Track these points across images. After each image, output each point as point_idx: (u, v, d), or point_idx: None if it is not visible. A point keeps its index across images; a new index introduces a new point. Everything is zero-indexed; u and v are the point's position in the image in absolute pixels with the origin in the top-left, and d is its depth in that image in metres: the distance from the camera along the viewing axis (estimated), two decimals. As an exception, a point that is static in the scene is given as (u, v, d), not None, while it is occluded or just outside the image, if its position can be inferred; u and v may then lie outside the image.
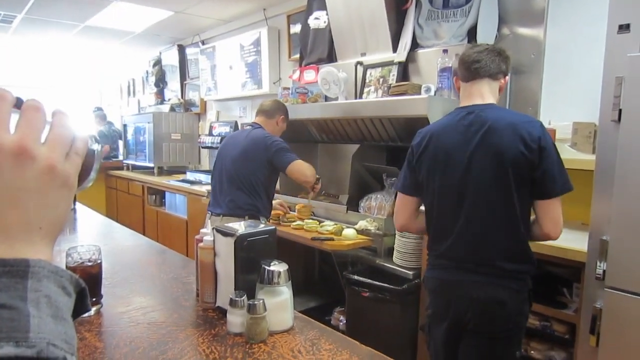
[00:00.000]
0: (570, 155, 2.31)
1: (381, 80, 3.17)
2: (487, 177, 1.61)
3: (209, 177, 4.92)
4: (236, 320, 1.09)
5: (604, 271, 1.72)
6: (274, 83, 4.66)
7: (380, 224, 2.71)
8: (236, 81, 5.13)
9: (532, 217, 1.70)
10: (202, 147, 5.77)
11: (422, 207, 1.86)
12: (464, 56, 1.78)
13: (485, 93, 1.72)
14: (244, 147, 2.75)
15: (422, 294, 2.39)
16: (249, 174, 2.71)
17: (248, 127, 2.92)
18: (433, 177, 1.73)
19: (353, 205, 3.05)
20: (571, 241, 2.06)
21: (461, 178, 1.65)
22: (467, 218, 1.65)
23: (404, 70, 3.07)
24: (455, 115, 1.74)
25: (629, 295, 1.65)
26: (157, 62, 6.91)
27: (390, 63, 3.12)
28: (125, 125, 6.76)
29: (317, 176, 2.80)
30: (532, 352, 2.20)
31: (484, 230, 1.64)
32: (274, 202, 3.16)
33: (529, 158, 1.56)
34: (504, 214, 1.62)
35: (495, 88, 1.76)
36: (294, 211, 3.28)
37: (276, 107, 2.94)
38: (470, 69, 1.73)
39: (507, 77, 1.80)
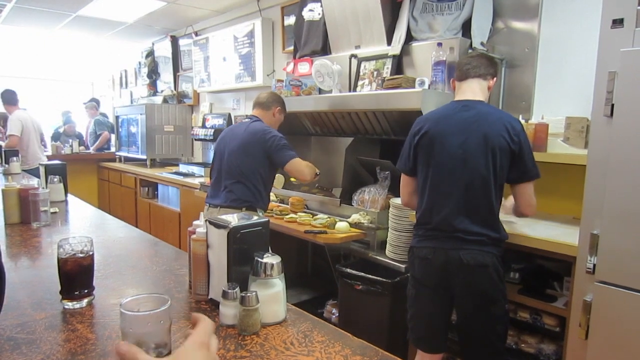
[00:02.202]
0: (563, 149, 2.32)
1: (375, 73, 3.17)
2: (478, 159, 1.90)
3: (202, 169, 4.94)
4: (229, 312, 1.09)
5: (594, 265, 1.73)
6: (268, 75, 4.64)
7: (373, 217, 2.71)
8: (230, 73, 5.10)
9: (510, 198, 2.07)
10: (195, 140, 5.75)
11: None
12: (459, 60, 2.15)
13: (475, 90, 2.04)
14: (242, 140, 2.76)
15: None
16: (248, 167, 2.72)
17: (246, 120, 2.92)
18: (430, 159, 2.01)
19: (346, 198, 3.05)
20: (562, 235, 2.07)
21: (456, 160, 1.93)
22: (460, 195, 1.93)
23: (398, 64, 3.06)
24: (452, 106, 2.04)
25: (618, 289, 1.67)
26: (150, 54, 6.85)
27: (385, 56, 3.11)
28: (117, 117, 6.72)
29: (317, 172, 2.83)
30: (522, 345, 2.22)
31: (475, 205, 1.93)
32: None
33: (512, 147, 1.89)
34: (491, 192, 1.91)
35: (485, 87, 2.06)
36: (287, 204, 3.28)
37: (272, 99, 2.94)
38: (463, 70, 2.07)
39: (495, 79, 2.10)
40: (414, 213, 2.38)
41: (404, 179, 2.19)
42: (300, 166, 2.72)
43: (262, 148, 2.71)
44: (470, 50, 2.71)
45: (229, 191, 2.74)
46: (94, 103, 7.49)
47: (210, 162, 5.10)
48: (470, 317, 1.98)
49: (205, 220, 1.21)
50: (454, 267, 1.93)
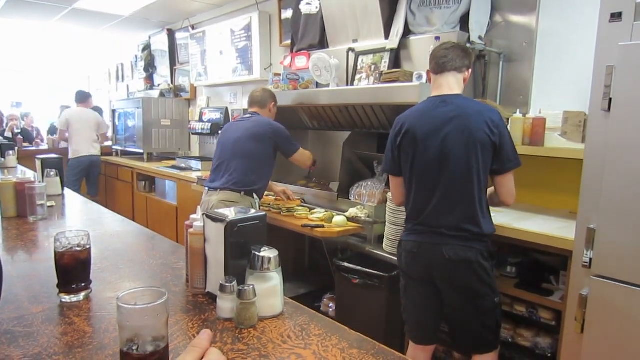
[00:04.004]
0: (560, 144, 2.32)
1: (373, 67, 3.16)
2: (459, 155, 1.90)
3: (199, 163, 4.93)
4: (226, 305, 1.09)
5: (591, 259, 1.74)
6: (265, 69, 4.62)
7: (371, 212, 2.71)
8: (227, 67, 5.08)
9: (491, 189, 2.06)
10: (192, 134, 5.72)
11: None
12: (434, 52, 2.09)
13: (452, 84, 2.02)
14: (249, 128, 2.97)
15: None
16: (255, 152, 2.93)
17: (248, 115, 3.12)
18: (413, 157, 2.01)
19: (344, 192, 3.05)
20: (559, 229, 2.08)
21: (438, 156, 1.93)
22: (443, 191, 1.94)
23: (396, 57, 3.05)
24: (430, 103, 2.04)
25: (614, 283, 1.67)
26: (147, 47, 6.81)
27: (382, 50, 3.11)
28: (114, 111, 6.69)
29: (314, 159, 3.20)
30: (518, 338, 2.23)
31: (457, 200, 1.93)
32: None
33: (492, 140, 1.89)
34: (473, 186, 1.91)
35: (461, 80, 2.05)
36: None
37: (266, 95, 3.13)
38: (439, 64, 2.04)
39: (470, 70, 2.08)
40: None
41: (394, 181, 2.18)
42: (304, 156, 3.11)
43: (270, 137, 2.95)
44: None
45: (230, 174, 2.92)
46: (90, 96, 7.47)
47: (208, 156, 5.09)
48: (457, 311, 1.99)
49: (203, 214, 1.21)
50: (438, 262, 1.95)
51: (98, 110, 7.49)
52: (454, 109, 1.94)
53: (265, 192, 3.14)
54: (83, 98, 6.00)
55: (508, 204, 2.03)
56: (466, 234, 1.91)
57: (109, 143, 6.59)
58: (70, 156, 5.70)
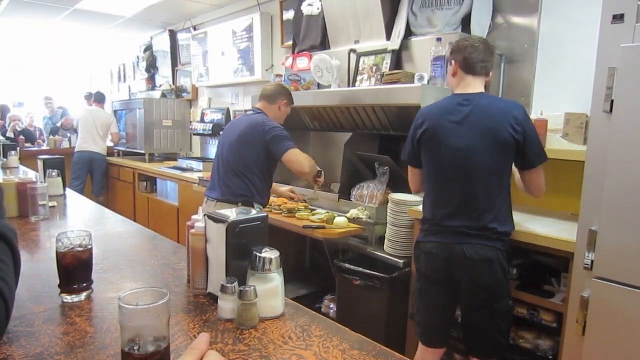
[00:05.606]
0: (562, 145, 2.32)
1: (374, 68, 3.16)
2: (480, 154, 1.90)
3: (200, 164, 4.94)
4: (227, 306, 1.09)
5: (592, 261, 1.73)
6: (267, 70, 4.63)
7: (372, 213, 2.71)
8: (228, 67, 5.09)
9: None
10: (194, 134, 5.73)
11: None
12: (465, 48, 2.02)
13: (478, 85, 2.03)
14: (241, 133, 2.72)
15: (412, 282, 2.41)
16: (246, 159, 2.69)
17: (249, 112, 2.90)
18: (432, 155, 2.02)
19: (345, 193, 3.05)
20: (560, 231, 2.07)
21: (459, 155, 1.93)
22: (463, 190, 1.94)
23: (397, 58, 3.05)
24: (453, 100, 2.02)
25: (616, 285, 1.67)
26: (148, 48, 6.82)
27: (384, 51, 3.11)
28: (115, 111, 6.70)
29: (319, 169, 2.77)
30: (519, 340, 2.23)
31: (478, 199, 1.92)
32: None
33: (516, 138, 1.87)
34: (493, 185, 1.92)
35: (484, 80, 2.07)
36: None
37: (278, 91, 2.85)
38: (472, 64, 2.00)
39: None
40: (412, 208, 2.40)
41: (411, 170, 2.20)
42: (298, 157, 2.62)
43: (260, 140, 2.65)
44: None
45: (226, 185, 2.73)
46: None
47: (209, 156, 5.08)
48: (474, 312, 1.98)
49: (204, 215, 1.21)
50: (459, 262, 1.93)
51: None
52: (476, 108, 1.93)
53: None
54: (100, 99, 6.48)
55: (536, 197, 2.05)
56: (487, 233, 1.91)
57: (110, 143, 6.61)
58: (75, 149, 6.17)
